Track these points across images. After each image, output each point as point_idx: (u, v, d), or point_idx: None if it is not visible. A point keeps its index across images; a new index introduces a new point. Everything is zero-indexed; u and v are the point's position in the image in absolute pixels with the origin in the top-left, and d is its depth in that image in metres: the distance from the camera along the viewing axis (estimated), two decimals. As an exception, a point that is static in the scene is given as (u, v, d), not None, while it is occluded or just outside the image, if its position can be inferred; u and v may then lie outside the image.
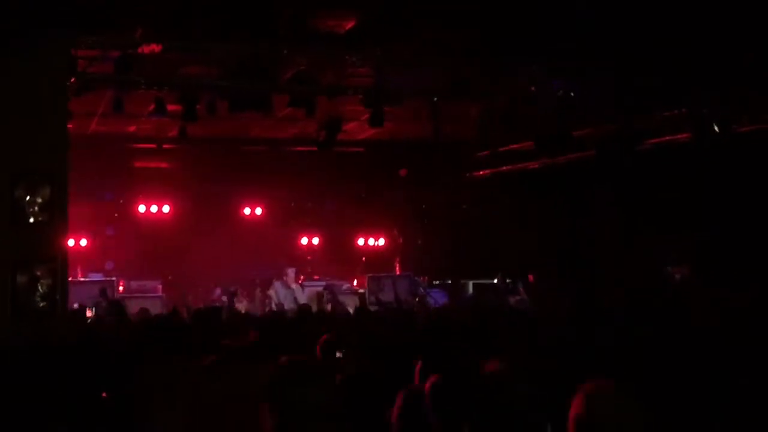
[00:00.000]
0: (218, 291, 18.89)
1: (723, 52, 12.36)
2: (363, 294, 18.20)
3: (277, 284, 18.51)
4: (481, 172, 20.88)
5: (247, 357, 5.99)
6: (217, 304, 17.42)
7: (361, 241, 22.39)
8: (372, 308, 17.04)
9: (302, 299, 17.55)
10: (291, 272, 18.78)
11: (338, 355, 6.48)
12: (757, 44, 11.89)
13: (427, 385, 4.76)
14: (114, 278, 18.64)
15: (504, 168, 19.81)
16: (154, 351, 4.68)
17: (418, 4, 11.25)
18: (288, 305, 17.48)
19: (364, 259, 21.74)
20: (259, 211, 21.70)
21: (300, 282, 19.29)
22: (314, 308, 15.27)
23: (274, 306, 17.64)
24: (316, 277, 20.30)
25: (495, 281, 18.99)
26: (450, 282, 20.17)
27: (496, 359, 5.90)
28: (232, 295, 17.31)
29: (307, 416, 4.09)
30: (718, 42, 12.03)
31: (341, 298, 18.06)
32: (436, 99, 15.02)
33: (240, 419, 4.49)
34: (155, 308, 16.26)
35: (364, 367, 5.49)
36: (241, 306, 17.45)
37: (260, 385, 4.66)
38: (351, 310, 15.10)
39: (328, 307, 16.62)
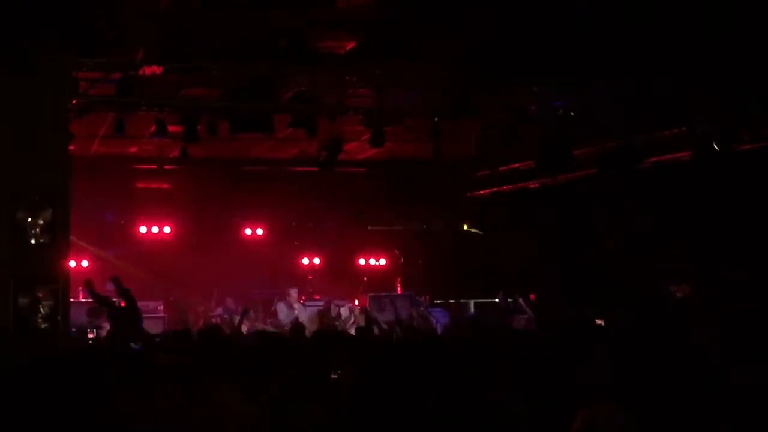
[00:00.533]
0: (219, 310, 18.87)
1: (722, 70, 12.39)
2: (368, 312, 18.09)
3: (280, 305, 18.48)
4: (481, 192, 20.89)
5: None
6: (217, 322, 17.46)
7: (362, 261, 22.37)
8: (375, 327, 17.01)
9: (304, 319, 17.52)
10: (293, 292, 18.75)
11: (334, 376, 6.47)
12: (757, 59, 11.93)
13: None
14: (116, 299, 18.59)
15: (505, 187, 19.82)
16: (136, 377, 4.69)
17: (417, 25, 11.29)
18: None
19: (365, 278, 21.72)
20: (260, 231, 21.70)
21: (302, 302, 19.26)
22: (314, 327, 15.24)
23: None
24: (317, 296, 20.27)
25: (497, 300, 18.96)
26: (452, 301, 20.12)
27: (499, 381, 5.93)
28: (244, 314, 17.24)
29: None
30: (717, 60, 12.06)
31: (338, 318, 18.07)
32: (436, 119, 15.07)
33: None
34: (157, 328, 16.26)
35: (362, 388, 5.49)
36: (244, 327, 17.42)
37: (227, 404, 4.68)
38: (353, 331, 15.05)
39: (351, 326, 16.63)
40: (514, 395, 5.55)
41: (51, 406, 5.56)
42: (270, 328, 17.07)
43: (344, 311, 18.37)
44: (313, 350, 8.15)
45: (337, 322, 17.38)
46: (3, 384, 6.10)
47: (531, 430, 5.34)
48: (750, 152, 14.33)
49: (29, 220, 10.05)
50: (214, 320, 18.13)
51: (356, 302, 20.23)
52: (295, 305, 18.48)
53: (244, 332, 15.45)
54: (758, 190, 14.35)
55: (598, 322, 14.04)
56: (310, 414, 4.72)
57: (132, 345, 10.87)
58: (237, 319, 17.02)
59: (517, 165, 18.28)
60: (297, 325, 14.02)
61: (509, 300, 18.77)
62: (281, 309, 18.32)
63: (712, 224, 15.15)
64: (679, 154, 15.47)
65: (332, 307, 18.39)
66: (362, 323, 16.10)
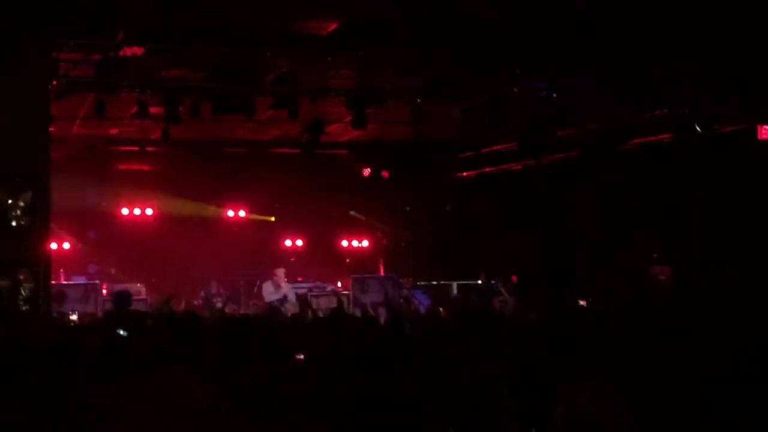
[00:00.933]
0: (202, 294, 18.87)
1: (705, 53, 12.41)
2: (340, 297, 17.97)
3: (266, 284, 18.33)
4: (464, 173, 20.90)
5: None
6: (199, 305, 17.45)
7: (345, 243, 22.35)
8: (356, 310, 17.00)
9: (292, 298, 17.50)
10: (280, 272, 18.52)
11: (298, 356, 6.45)
12: (739, 44, 11.95)
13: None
14: (97, 281, 18.54)
15: (487, 169, 19.84)
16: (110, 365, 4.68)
17: (400, 6, 11.25)
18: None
19: (348, 260, 21.71)
20: (242, 213, 21.67)
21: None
22: (298, 311, 15.22)
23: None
24: (300, 279, 20.25)
25: (479, 282, 18.98)
26: (434, 284, 20.14)
27: (482, 364, 5.94)
28: (227, 300, 17.17)
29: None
30: (700, 42, 12.07)
31: (324, 300, 18.02)
32: (419, 100, 15.04)
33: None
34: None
35: (330, 375, 5.48)
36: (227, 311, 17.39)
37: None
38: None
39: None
40: (500, 379, 5.57)
41: (25, 390, 5.55)
42: (252, 311, 17.03)
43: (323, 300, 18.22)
44: (286, 332, 8.12)
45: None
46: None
47: (513, 414, 5.36)
48: (732, 134, 14.40)
49: (9, 202, 10.01)
50: (195, 303, 18.13)
51: (339, 284, 20.22)
52: (283, 284, 18.34)
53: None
54: (740, 172, 14.41)
55: (581, 303, 14.11)
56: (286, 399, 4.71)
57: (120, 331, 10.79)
58: (219, 303, 17.00)
59: (499, 147, 18.28)
60: (273, 308, 13.99)
61: (492, 282, 18.81)
62: (267, 288, 18.16)
63: (694, 206, 15.21)
64: (661, 136, 15.52)
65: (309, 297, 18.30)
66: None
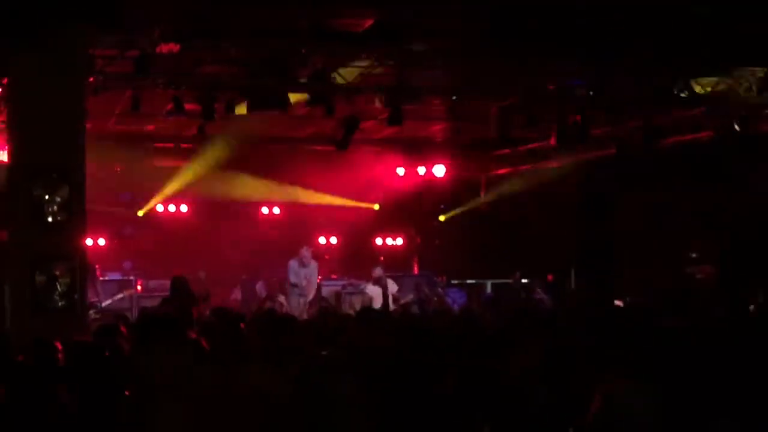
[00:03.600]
0: (237, 293, 18.98)
1: (743, 53, 12.27)
2: (377, 293, 17.90)
3: (292, 263, 18.27)
4: (500, 171, 20.80)
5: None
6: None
7: (379, 241, 22.31)
8: (392, 307, 16.97)
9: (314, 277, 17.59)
10: (305, 251, 18.46)
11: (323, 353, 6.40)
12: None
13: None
14: (132, 277, 18.64)
15: (523, 167, 19.73)
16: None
17: (435, 2, 11.20)
18: (301, 286, 17.52)
19: (382, 258, 21.68)
20: (277, 210, 21.70)
21: (318, 280, 19.18)
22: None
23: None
24: (334, 276, 20.23)
25: (511, 281, 18.87)
26: (468, 282, 20.05)
27: (519, 362, 5.87)
28: (265, 300, 17.21)
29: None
30: (738, 40, 11.93)
31: (357, 297, 17.98)
32: (455, 97, 14.97)
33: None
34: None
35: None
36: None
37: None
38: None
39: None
40: (536, 375, 5.50)
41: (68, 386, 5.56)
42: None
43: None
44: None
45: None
46: (23, 363, 6.11)
47: (550, 412, 5.29)
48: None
49: (46, 197, 10.05)
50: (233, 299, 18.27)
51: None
52: (311, 263, 18.29)
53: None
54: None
55: (617, 303, 13.99)
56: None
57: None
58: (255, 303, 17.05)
59: (536, 144, 18.17)
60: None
61: (524, 282, 18.73)
62: (292, 267, 18.13)
63: (732, 205, 15.05)
64: (700, 134, 15.36)
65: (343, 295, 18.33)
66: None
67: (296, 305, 17.56)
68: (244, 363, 5.76)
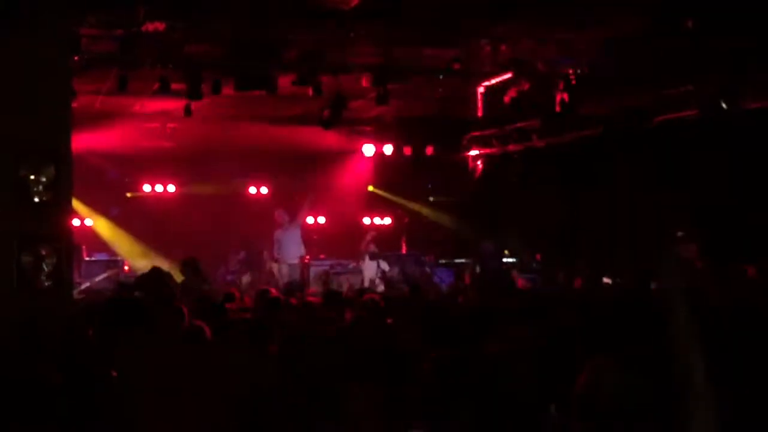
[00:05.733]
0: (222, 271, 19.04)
1: (731, 28, 12.25)
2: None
3: (277, 233, 18.50)
4: (487, 150, 20.78)
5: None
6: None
7: (366, 220, 22.32)
8: (378, 287, 17.04)
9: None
10: (278, 214, 18.95)
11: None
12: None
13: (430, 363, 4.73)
14: (119, 258, 18.63)
15: (510, 147, 19.71)
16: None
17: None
18: (287, 253, 17.69)
19: (374, 232, 21.67)
20: (264, 190, 21.69)
21: (307, 260, 19.21)
22: (320, 288, 15.27)
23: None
24: (322, 256, 20.25)
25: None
26: (457, 261, 20.08)
27: (499, 340, 5.89)
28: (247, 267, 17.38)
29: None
30: (725, 18, 11.92)
31: (345, 277, 18.06)
32: (441, 76, 14.95)
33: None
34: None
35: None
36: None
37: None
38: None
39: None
40: (520, 355, 5.52)
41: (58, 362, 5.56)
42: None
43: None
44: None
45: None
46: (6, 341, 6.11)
47: (532, 388, 5.31)
48: (758, 111, 14.22)
49: (32, 177, 10.00)
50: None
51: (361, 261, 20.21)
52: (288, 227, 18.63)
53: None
54: (766, 150, 14.24)
55: (606, 280, 14.05)
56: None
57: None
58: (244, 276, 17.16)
59: (523, 124, 18.16)
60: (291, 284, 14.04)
61: (515, 260, 18.79)
62: (278, 237, 18.51)
63: (719, 185, 15.06)
64: (686, 113, 15.35)
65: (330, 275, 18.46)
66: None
67: (278, 272, 17.97)
68: (226, 344, 5.78)
